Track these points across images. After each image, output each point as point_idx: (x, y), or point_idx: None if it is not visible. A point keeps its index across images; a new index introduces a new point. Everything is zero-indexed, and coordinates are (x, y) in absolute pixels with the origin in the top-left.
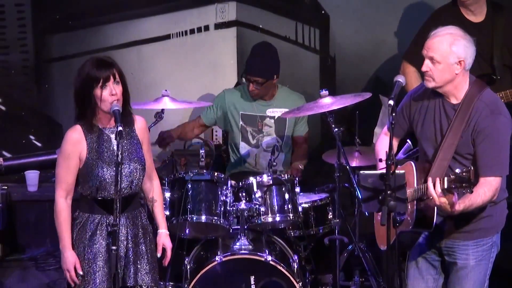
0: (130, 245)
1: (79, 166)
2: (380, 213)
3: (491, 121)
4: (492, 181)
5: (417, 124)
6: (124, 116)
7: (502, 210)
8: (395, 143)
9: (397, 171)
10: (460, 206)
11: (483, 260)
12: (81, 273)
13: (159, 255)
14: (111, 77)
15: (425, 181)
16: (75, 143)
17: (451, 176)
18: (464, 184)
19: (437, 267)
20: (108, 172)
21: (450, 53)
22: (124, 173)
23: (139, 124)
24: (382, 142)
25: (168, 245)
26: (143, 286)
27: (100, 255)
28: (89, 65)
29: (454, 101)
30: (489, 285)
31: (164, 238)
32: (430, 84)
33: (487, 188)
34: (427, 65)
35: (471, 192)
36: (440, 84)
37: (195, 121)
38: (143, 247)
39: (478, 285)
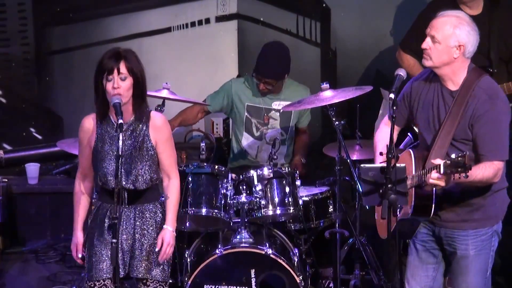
0: (137, 237)
1: (91, 153)
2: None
3: (490, 106)
4: (495, 162)
5: (416, 111)
6: (136, 112)
7: (502, 199)
8: (396, 133)
9: (397, 165)
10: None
11: (484, 250)
12: (80, 255)
13: (157, 249)
14: (115, 71)
15: (423, 168)
16: (86, 131)
17: (447, 161)
18: (459, 169)
19: (437, 255)
20: (110, 164)
21: (451, 35)
22: (124, 168)
23: (155, 122)
24: (382, 133)
25: (166, 240)
26: (149, 280)
27: (108, 244)
28: (106, 54)
29: (452, 87)
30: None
31: (164, 232)
32: (427, 63)
33: (488, 165)
34: (427, 43)
35: (467, 176)
36: (437, 64)
37: (200, 106)
38: (154, 241)
39: (481, 275)
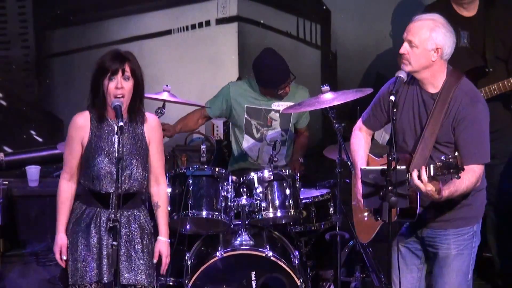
0: (123, 242)
1: (82, 152)
2: (360, 207)
3: (471, 109)
4: (475, 168)
5: (395, 115)
6: (133, 113)
7: (482, 199)
8: (369, 137)
9: (398, 167)
10: (445, 192)
11: (465, 250)
12: (64, 257)
13: (155, 261)
14: (120, 71)
15: (407, 172)
16: (79, 128)
17: (438, 163)
18: (451, 170)
19: (421, 256)
20: (104, 163)
21: (428, 39)
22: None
23: (150, 123)
24: (358, 139)
25: (165, 253)
26: (137, 286)
27: (94, 248)
28: (107, 55)
29: (432, 90)
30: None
31: (161, 245)
32: (407, 68)
33: (470, 174)
34: (405, 48)
35: (459, 177)
36: (416, 68)
37: (200, 112)
38: (139, 247)
39: (462, 275)
